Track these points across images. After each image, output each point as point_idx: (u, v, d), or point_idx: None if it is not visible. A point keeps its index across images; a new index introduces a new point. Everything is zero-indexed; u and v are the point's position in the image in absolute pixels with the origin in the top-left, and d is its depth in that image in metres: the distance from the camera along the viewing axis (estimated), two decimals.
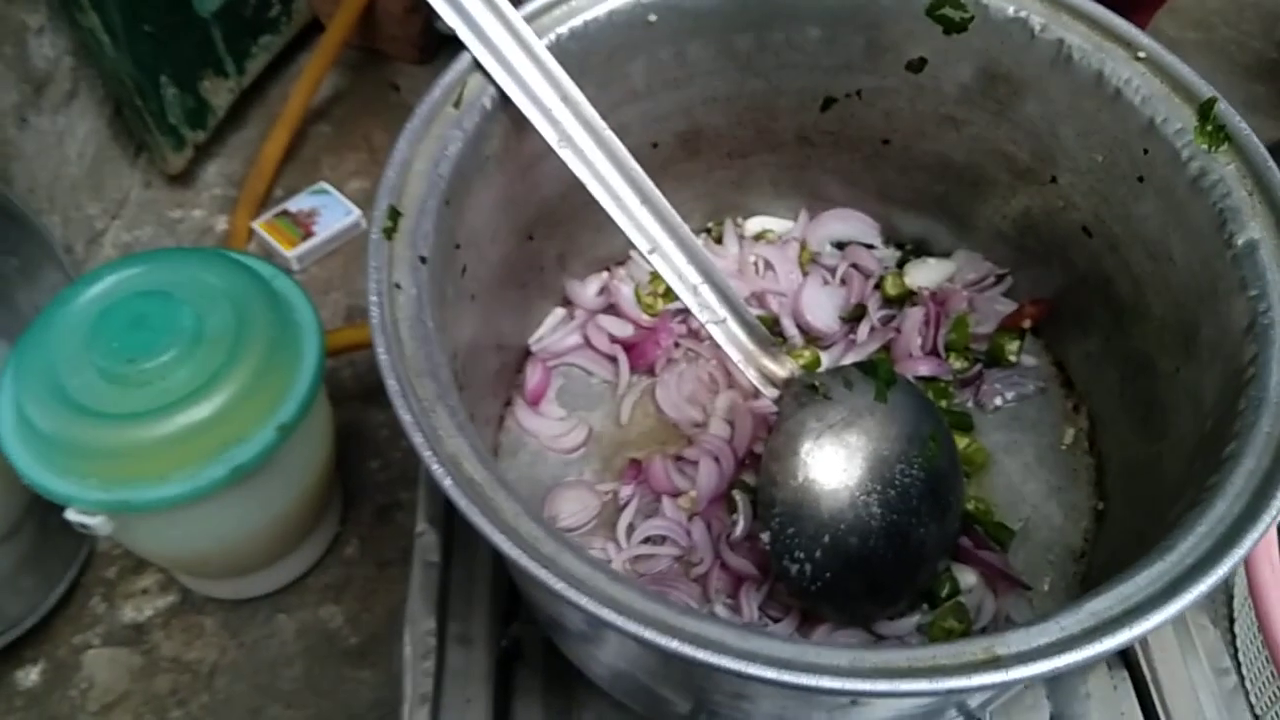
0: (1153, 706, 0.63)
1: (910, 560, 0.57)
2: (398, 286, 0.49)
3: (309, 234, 1.10)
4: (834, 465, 0.56)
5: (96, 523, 0.69)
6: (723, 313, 0.60)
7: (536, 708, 0.64)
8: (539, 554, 0.41)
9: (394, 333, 0.47)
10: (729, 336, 0.60)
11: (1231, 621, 0.80)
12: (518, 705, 0.64)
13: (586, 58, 0.61)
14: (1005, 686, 0.40)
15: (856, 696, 0.38)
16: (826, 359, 0.70)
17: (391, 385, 0.45)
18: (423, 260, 0.51)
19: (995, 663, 0.38)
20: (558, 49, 0.59)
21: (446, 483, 0.43)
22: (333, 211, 1.12)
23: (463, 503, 0.42)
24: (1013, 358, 0.69)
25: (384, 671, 0.85)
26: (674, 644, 0.38)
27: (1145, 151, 0.56)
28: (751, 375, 0.61)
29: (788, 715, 0.51)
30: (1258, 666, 0.75)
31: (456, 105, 0.56)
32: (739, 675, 0.38)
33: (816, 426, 0.57)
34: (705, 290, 0.59)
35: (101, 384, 0.70)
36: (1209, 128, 0.53)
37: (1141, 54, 0.56)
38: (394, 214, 0.51)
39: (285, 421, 0.73)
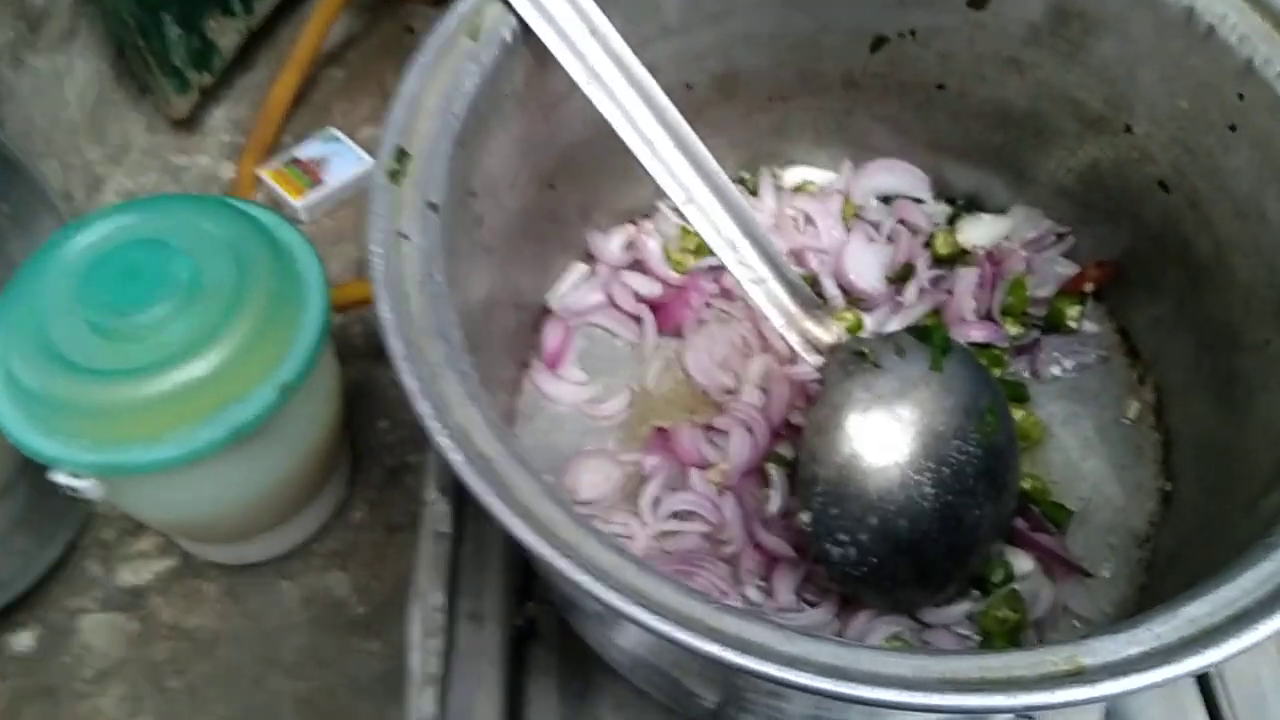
0: (1216, 704, 0.58)
1: (963, 544, 0.53)
2: (405, 237, 0.44)
3: (318, 182, 1.05)
4: (883, 440, 0.51)
5: (85, 486, 0.65)
6: (763, 271, 0.55)
7: (551, 691, 0.60)
8: (558, 540, 0.37)
9: (400, 289, 0.42)
10: (769, 297, 0.55)
11: None
12: (531, 687, 0.60)
13: None
14: (1091, 703, 0.35)
15: (923, 710, 0.33)
16: (870, 322, 0.65)
17: (395, 347, 0.40)
18: (433, 207, 0.46)
19: (1080, 675, 0.34)
20: None
21: (455, 458, 0.38)
22: (344, 159, 1.07)
23: (473, 481, 0.37)
24: (1073, 324, 0.63)
25: (392, 643, 0.81)
26: (714, 649, 0.34)
27: (1240, 97, 0.50)
28: (794, 340, 0.56)
29: (824, 713, 0.46)
30: None
31: (473, 37, 0.50)
32: (787, 685, 0.33)
33: (865, 398, 0.52)
34: (745, 246, 0.54)
35: (92, 338, 0.66)
36: None
37: None
38: (401, 155, 0.46)
39: (287, 380, 0.69)
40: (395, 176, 0.45)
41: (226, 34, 1.12)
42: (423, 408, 0.39)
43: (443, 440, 0.38)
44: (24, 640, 0.80)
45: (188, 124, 1.12)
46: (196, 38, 1.08)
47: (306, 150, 1.08)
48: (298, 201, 1.03)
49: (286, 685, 0.80)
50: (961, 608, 0.55)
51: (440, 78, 0.49)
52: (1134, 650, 0.35)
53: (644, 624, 0.34)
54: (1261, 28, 0.49)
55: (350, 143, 1.08)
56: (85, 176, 1.03)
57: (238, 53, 1.15)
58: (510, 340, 0.63)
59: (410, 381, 0.39)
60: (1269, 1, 0.49)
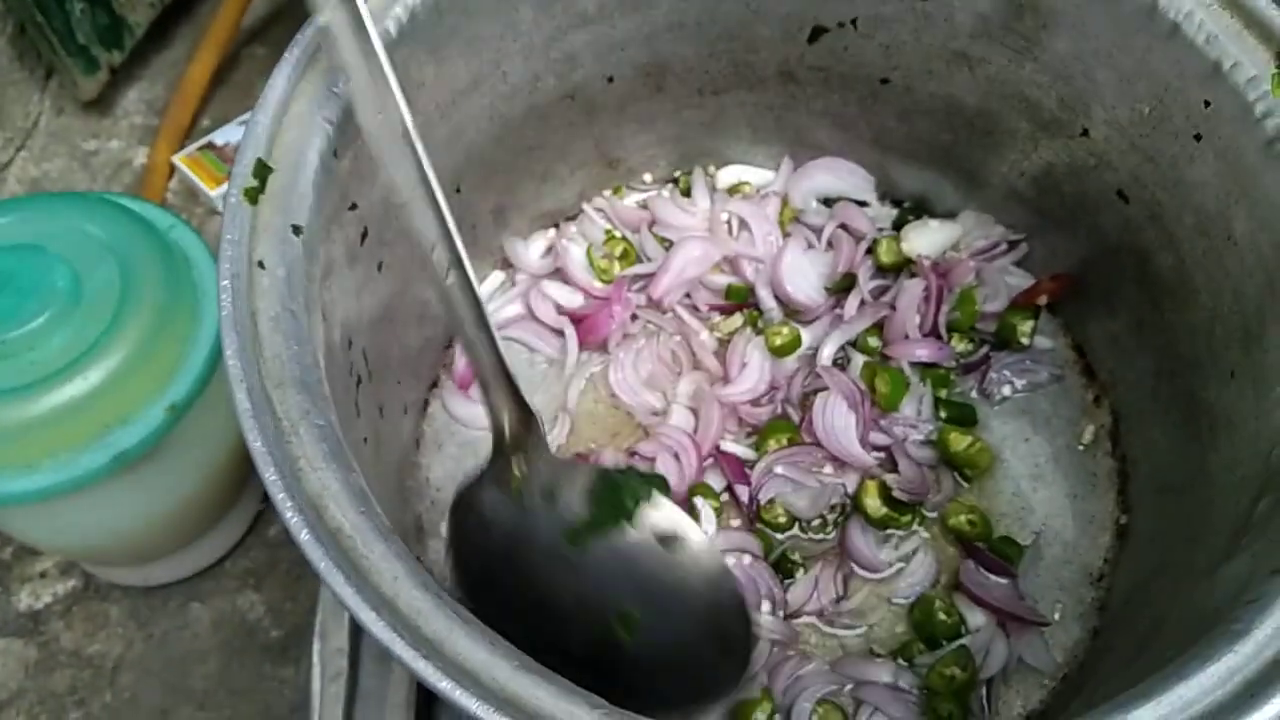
0: None
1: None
2: (260, 265, 0.38)
3: None
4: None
5: None
6: None
7: None
8: (420, 635, 0.31)
9: (250, 330, 0.37)
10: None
11: None
12: None
13: None
14: None
15: None
16: (808, 337, 0.60)
17: (240, 403, 0.35)
18: (295, 231, 0.40)
19: None
20: None
21: (303, 535, 0.32)
22: None
23: (322, 564, 0.32)
24: (1025, 339, 0.59)
25: (308, 669, 0.76)
26: None
27: (1206, 104, 0.46)
28: None
29: None
30: None
31: None
32: None
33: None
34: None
35: None
36: None
37: None
38: (262, 170, 0.40)
39: (177, 400, 0.63)
40: (252, 195, 0.40)
41: (138, 8, 1.05)
42: (267, 474, 0.33)
43: (289, 515, 0.33)
44: None
45: (98, 105, 1.05)
46: (103, 12, 1.00)
47: (225, 135, 1.01)
48: (214, 191, 0.97)
49: (196, 716, 0.75)
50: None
51: (312, 78, 0.43)
52: None
53: None
54: (1232, 27, 0.44)
55: None
56: None
57: (151, 28, 1.08)
58: (416, 359, 0.57)
59: (254, 442, 0.34)
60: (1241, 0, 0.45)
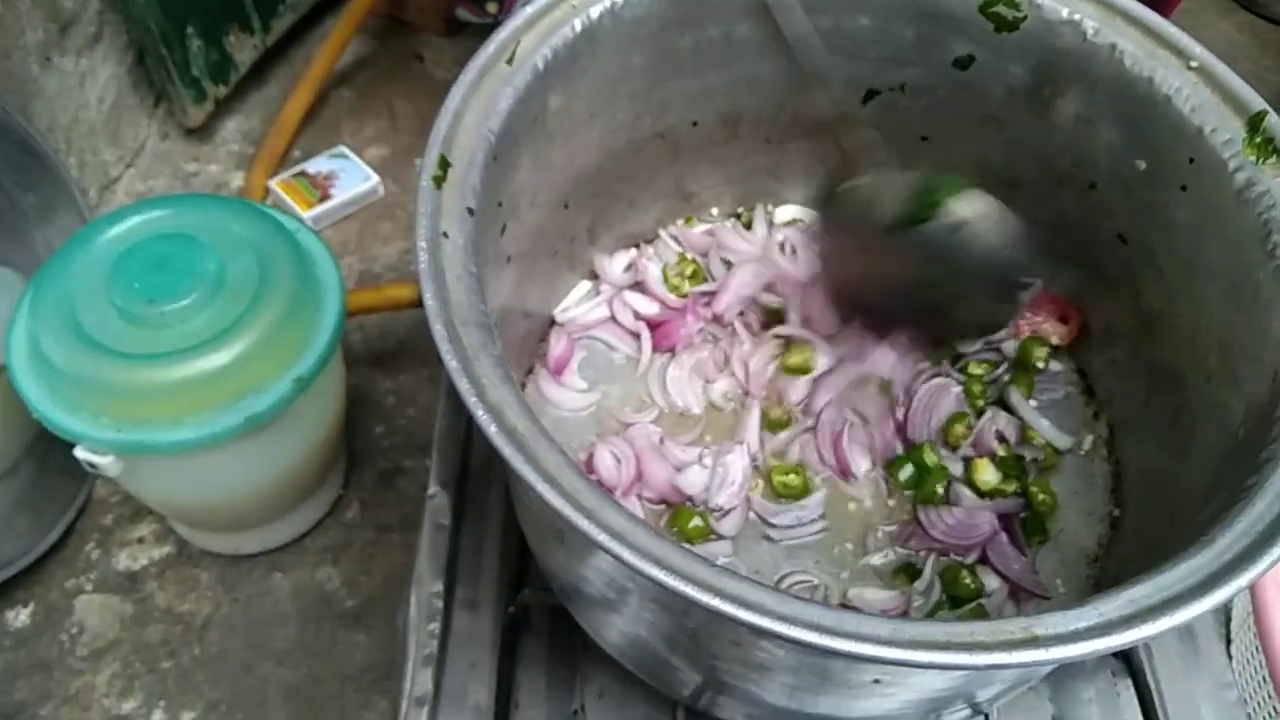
0: (1155, 715, 0.63)
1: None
2: (445, 235, 0.49)
3: (326, 196, 1.09)
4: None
5: (106, 462, 0.69)
6: None
7: (540, 677, 0.63)
8: (581, 506, 0.41)
9: (441, 281, 0.47)
10: None
11: (1228, 643, 0.81)
12: (521, 673, 0.63)
13: (638, 27, 0.61)
14: (1041, 667, 0.40)
15: (896, 665, 0.38)
16: (821, 362, 0.69)
17: (438, 330, 0.45)
18: (470, 212, 0.50)
19: (1034, 642, 0.38)
20: (611, 16, 0.59)
21: (491, 429, 0.42)
22: (351, 176, 1.11)
23: (507, 450, 0.42)
24: (1040, 364, 0.69)
25: (378, 635, 0.84)
26: (715, 602, 0.38)
27: (1191, 160, 0.57)
28: None
29: (798, 692, 0.51)
30: (1253, 686, 0.76)
31: (509, 62, 0.56)
32: (783, 639, 0.37)
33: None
34: None
35: (120, 323, 0.69)
36: (1258, 139, 0.54)
37: (1194, 63, 0.56)
38: (444, 163, 0.51)
39: (302, 374, 0.73)
40: (438, 181, 0.50)
41: (244, 49, 1.17)
42: (463, 384, 0.43)
43: (480, 414, 0.42)
44: (21, 617, 0.83)
45: (200, 132, 1.16)
46: (216, 50, 1.12)
47: (316, 165, 1.12)
48: (306, 213, 1.07)
49: (275, 672, 0.83)
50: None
51: (480, 97, 0.54)
52: (1081, 624, 0.39)
53: (656, 579, 0.39)
54: (1211, 100, 0.56)
55: (358, 160, 1.12)
56: (100, 175, 1.06)
57: (253, 68, 1.20)
58: (519, 346, 0.67)
59: (451, 361, 0.44)
60: (1220, 76, 0.56)
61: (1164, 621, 0.39)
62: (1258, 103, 0.54)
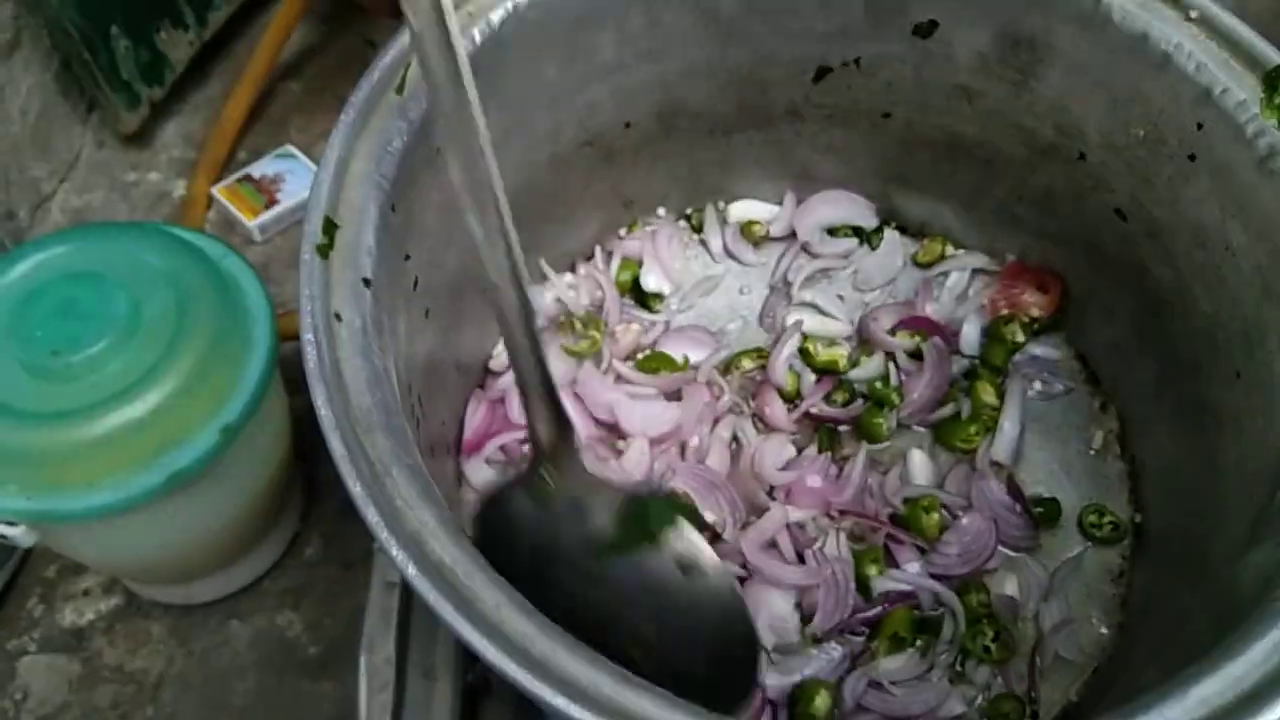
0: None
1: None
2: (338, 318, 0.41)
3: (273, 202, 1.00)
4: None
5: (17, 533, 0.62)
6: None
7: None
8: (530, 658, 0.33)
9: (337, 380, 0.39)
10: None
11: None
12: None
13: (547, 27, 0.53)
14: None
15: None
16: None
17: (337, 449, 0.37)
18: (366, 282, 0.42)
19: None
20: (515, 20, 0.51)
21: (409, 570, 0.34)
22: (299, 178, 1.02)
23: (431, 596, 0.34)
24: (1016, 339, 0.62)
25: (345, 684, 0.77)
26: None
27: (1199, 126, 0.49)
28: None
29: None
30: None
31: (400, 90, 0.47)
32: None
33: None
34: None
35: (23, 378, 0.61)
36: (1278, 99, 0.46)
37: (1194, 13, 0.49)
38: (330, 227, 0.43)
39: (230, 422, 0.65)
40: (323, 251, 0.42)
41: (178, 46, 1.07)
42: (370, 516, 0.35)
43: (395, 553, 0.35)
44: None
45: (138, 139, 1.07)
46: (146, 50, 1.03)
47: (261, 168, 1.04)
48: (251, 222, 0.99)
49: None
50: None
51: (367, 138, 0.46)
52: None
53: None
54: (1219, 55, 0.48)
55: (307, 160, 1.04)
56: (30, 193, 0.97)
57: (190, 66, 1.10)
58: (454, 401, 0.59)
59: (354, 487, 0.36)
60: (1227, 28, 0.48)
61: None
62: (1274, 57, 0.47)
